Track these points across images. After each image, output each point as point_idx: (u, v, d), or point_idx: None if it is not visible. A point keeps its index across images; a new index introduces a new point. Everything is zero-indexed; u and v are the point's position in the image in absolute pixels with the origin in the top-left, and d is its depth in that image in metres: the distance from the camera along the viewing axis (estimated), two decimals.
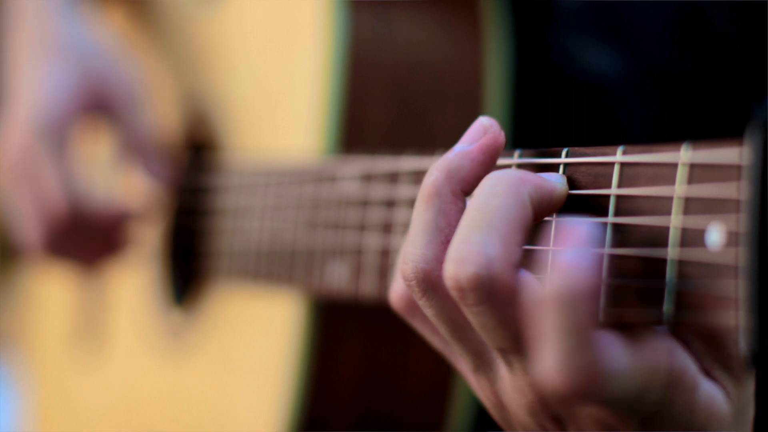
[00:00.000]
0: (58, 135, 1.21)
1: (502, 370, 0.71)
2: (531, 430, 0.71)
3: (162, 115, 1.33)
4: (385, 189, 0.86)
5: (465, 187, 0.69)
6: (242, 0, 1.23)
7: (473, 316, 0.66)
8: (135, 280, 1.38)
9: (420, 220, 0.70)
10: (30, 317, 1.66)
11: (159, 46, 1.37)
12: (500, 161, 0.74)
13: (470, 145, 0.70)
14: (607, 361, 0.62)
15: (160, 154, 1.27)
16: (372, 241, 0.88)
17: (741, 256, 0.56)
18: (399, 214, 0.84)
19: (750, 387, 0.68)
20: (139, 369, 1.36)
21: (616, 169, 0.65)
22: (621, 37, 1.06)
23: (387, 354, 1.05)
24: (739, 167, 0.57)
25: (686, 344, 0.66)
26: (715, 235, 0.58)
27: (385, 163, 0.87)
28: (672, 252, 0.61)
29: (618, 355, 0.63)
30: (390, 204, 0.86)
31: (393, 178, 0.85)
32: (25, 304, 1.70)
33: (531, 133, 1.05)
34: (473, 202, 0.66)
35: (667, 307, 0.61)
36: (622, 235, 0.64)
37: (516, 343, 0.66)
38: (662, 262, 0.61)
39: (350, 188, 0.91)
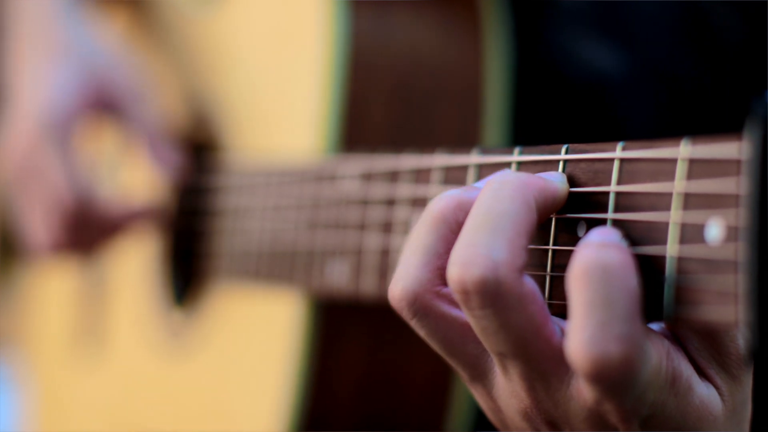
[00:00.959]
0: (63, 133, 1.22)
1: (498, 377, 0.71)
2: None
3: (164, 115, 1.34)
4: (385, 188, 0.86)
5: None
6: (243, 0, 1.23)
7: (475, 320, 0.66)
8: (136, 280, 1.38)
9: (419, 242, 0.69)
10: (30, 317, 1.66)
11: (160, 47, 1.38)
12: (499, 158, 0.74)
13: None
14: (642, 341, 0.62)
15: (169, 143, 1.27)
16: (372, 240, 0.88)
17: (741, 251, 0.56)
18: (399, 213, 0.84)
19: (747, 386, 0.68)
20: (139, 369, 1.36)
21: (616, 165, 0.65)
22: (622, 36, 1.06)
23: (387, 354, 1.05)
24: (738, 162, 0.57)
25: (683, 344, 0.66)
26: (715, 230, 0.58)
27: (385, 162, 0.87)
28: (671, 248, 0.61)
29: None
30: (390, 203, 0.86)
31: (393, 176, 0.85)
32: (25, 304, 1.70)
33: (531, 131, 1.05)
34: (478, 206, 0.66)
35: (666, 302, 0.61)
36: (621, 231, 0.64)
37: (516, 348, 0.66)
38: (662, 258, 0.61)
39: (350, 187, 0.91)
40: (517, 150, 0.73)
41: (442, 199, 0.69)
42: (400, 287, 0.69)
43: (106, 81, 1.25)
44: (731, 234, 0.57)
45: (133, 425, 1.36)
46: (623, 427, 0.66)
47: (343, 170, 0.93)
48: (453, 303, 0.69)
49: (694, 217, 0.60)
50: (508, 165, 0.73)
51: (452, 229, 0.69)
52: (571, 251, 0.67)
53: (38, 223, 1.24)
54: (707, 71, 1.04)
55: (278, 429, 1.06)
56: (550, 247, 0.69)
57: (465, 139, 1.03)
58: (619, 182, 0.65)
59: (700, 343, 0.66)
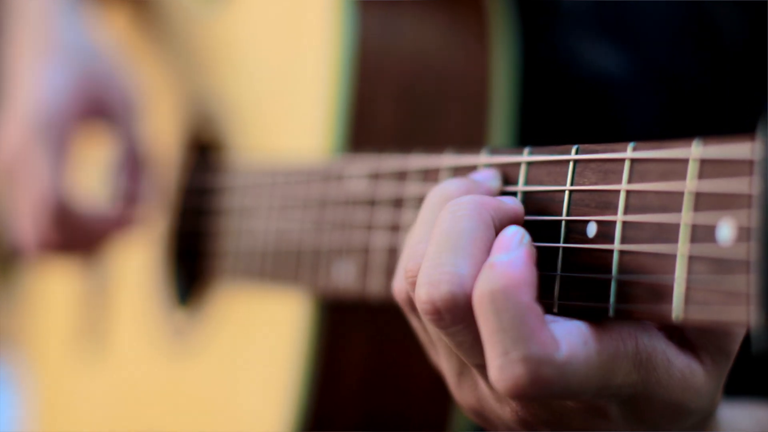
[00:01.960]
0: (56, 134, 1.21)
1: (480, 384, 0.72)
2: None
3: (167, 118, 1.34)
4: (393, 187, 0.86)
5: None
6: (249, 0, 1.23)
7: (450, 337, 0.68)
8: (139, 279, 1.38)
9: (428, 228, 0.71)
10: (32, 316, 1.66)
11: (165, 47, 1.38)
12: (509, 158, 0.74)
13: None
14: (556, 351, 0.64)
15: (153, 169, 1.27)
16: (379, 239, 0.88)
17: (752, 252, 0.56)
18: (407, 212, 0.84)
19: (731, 359, 0.69)
20: (142, 369, 1.36)
21: (627, 166, 0.65)
22: (625, 37, 1.07)
23: (392, 353, 1.05)
24: (750, 162, 0.57)
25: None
26: (726, 230, 0.58)
27: (393, 162, 0.87)
28: (682, 247, 0.61)
29: (573, 345, 0.64)
30: (398, 203, 0.86)
31: (401, 176, 0.85)
32: (26, 303, 1.70)
33: (537, 132, 1.05)
34: (438, 228, 0.68)
35: (676, 302, 0.61)
36: (632, 231, 0.64)
37: None
38: (672, 257, 0.61)
39: (357, 187, 0.92)
40: (526, 150, 0.73)
41: (451, 183, 0.72)
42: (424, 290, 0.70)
43: (101, 87, 1.25)
44: (743, 234, 0.57)
45: (135, 425, 1.36)
46: (604, 414, 0.68)
47: (350, 170, 0.93)
48: None
49: (705, 217, 0.60)
50: (517, 165, 0.73)
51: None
52: (580, 251, 0.67)
53: (26, 221, 1.24)
54: (710, 71, 1.05)
55: (283, 428, 1.06)
56: (561, 245, 0.69)
57: (471, 139, 1.03)
58: (630, 182, 0.65)
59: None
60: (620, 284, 0.64)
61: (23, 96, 1.25)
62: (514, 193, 0.73)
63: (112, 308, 1.45)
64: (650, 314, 0.63)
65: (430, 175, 0.81)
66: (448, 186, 0.72)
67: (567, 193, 0.69)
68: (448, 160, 0.80)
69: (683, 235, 0.61)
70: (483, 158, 0.76)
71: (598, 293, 0.66)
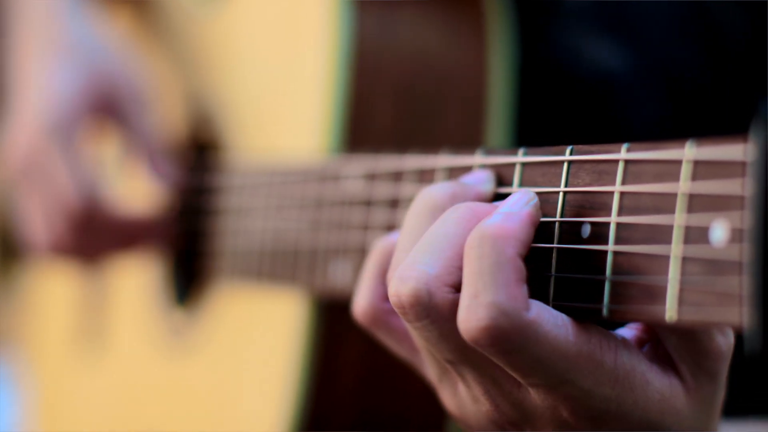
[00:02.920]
0: (66, 133, 1.21)
1: (458, 384, 0.73)
2: None
3: (166, 116, 1.34)
4: (389, 188, 0.86)
5: None
6: (247, 0, 1.23)
7: (417, 332, 0.70)
8: (137, 280, 1.38)
9: (420, 230, 0.72)
10: (31, 316, 1.66)
11: (163, 47, 1.38)
12: (504, 158, 0.74)
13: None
14: (523, 310, 0.64)
15: (166, 156, 1.27)
16: (376, 238, 0.88)
17: (745, 253, 0.56)
18: (403, 213, 0.84)
19: (720, 378, 0.69)
20: (141, 368, 1.36)
21: (621, 167, 0.65)
22: (626, 35, 1.06)
23: (389, 353, 1.05)
24: (743, 164, 0.57)
25: (662, 340, 0.67)
26: (720, 231, 0.58)
27: (389, 162, 0.87)
28: (675, 248, 0.61)
29: (545, 317, 0.65)
30: (393, 203, 0.86)
31: (397, 176, 0.85)
32: (26, 303, 1.70)
33: (536, 131, 1.05)
34: (429, 229, 0.70)
35: (669, 303, 0.61)
36: (626, 232, 0.64)
37: (461, 356, 0.69)
38: (665, 258, 0.61)
39: (354, 187, 0.92)
40: (521, 151, 0.73)
41: (436, 189, 0.73)
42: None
43: (109, 83, 1.25)
44: (736, 235, 0.57)
45: (134, 425, 1.37)
46: (574, 421, 0.68)
47: (347, 170, 0.93)
48: None
49: (698, 218, 0.60)
50: (512, 166, 0.73)
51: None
52: (574, 252, 0.67)
53: (39, 223, 1.24)
54: (711, 70, 1.05)
55: (281, 428, 1.06)
56: (555, 245, 0.69)
57: (469, 139, 1.03)
58: (624, 183, 0.65)
59: (680, 341, 0.67)
60: (614, 285, 0.64)
61: (32, 97, 1.25)
62: (508, 195, 0.73)
63: (111, 308, 1.45)
64: (644, 315, 0.63)
65: (426, 176, 0.81)
66: (433, 192, 0.73)
67: (561, 194, 0.69)
68: (444, 160, 0.80)
69: (677, 236, 0.61)
70: (478, 159, 0.76)
71: (592, 294, 0.66)
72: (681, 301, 0.60)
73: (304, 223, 0.99)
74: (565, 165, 0.69)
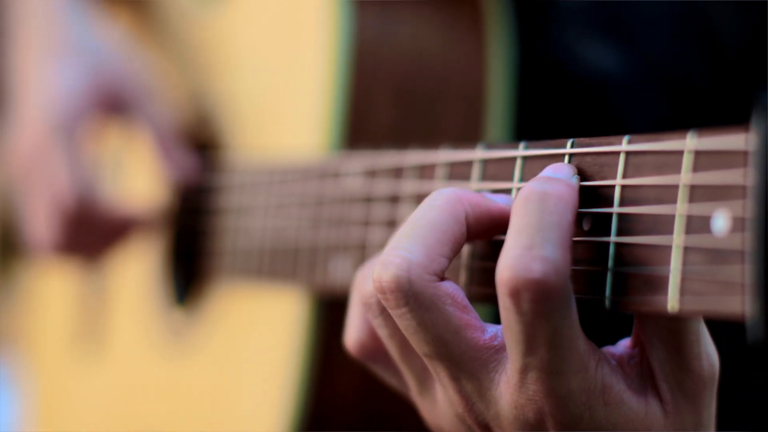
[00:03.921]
0: (70, 132, 1.21)
1: (436, 388, 0.73)
2: None
3: (174, 114, 1.34)
4: (389, 184, 0.86)
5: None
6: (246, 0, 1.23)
7: (398, 320, 0.69)
8: (137, 279, 1.38)
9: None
10: (31, 316, 1.66)
11: (163, 46, 1.38)
12: (504, 153, 0.74)
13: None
14: (566, 273, 0.63)
15: (180, 144, 1.27)
16: (376, 236, 0.88)
17: (747, 242, 0.57)
18: (403, 209, 0.85)
19: (705, 410, 0.68)
20: (140, 368, 1.36)
21: (622, 159, 0.65)
22: (623, 35, 1.07)
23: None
24: (744, 153, 0.58)
25: (647, 354, 0.67)
26: (721, 221, 0.59)
27: (389, 159, 0.87)
28: (677, 238, 0.61)
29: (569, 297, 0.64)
30: (394, 199, 0.86)
31: (397, 173, 0.86)
32: (25, 303, 1.70)
33: (534, 130, 1.05)
34: (411, 215, 0.69)
35: (671, 294, 0.61)
36: (627, 223, 0.65)
37: (437, 348, 0.68)
38: (667, 248, 0.61)
39: (354, 184, 0.92)
40: (522, 145, 0.73)
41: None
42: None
43: (113, 81, 1.25)
44: (737, 225, 0.58)
45: (134, 425, 1.36)
46: (551, 424, 0.67)
47: (347, 167, 0.93)
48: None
49: (700, 208, 0.60)
50: (512, 160, 0.74)
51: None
52: (576, 244, 0.67)
53: (40, 221, 1.24)
54: (708, 70, 1.05)
55: (281, 427, 1.06)
56: None
57: (468, 137, 1.03)
58: (625, 175, 0.65)
59: (665, 355, 0.67)
60: (616, 276, 0.65)
61: (35, 97, 1.25)
62: (509, 190, 0.73)
63: (110, 308, 1.45)
64: (646, 306, 0.63)
65: (426, 172, 0.82)
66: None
67: None
68: (444, 156, 0.80)
69: (678, 226, 0.61)
70: (478, 154, 0.76)
71: (594, 285, 0.66)
72: (683, 291, 0.61)
73: (305, 221, 1.00)
74: (566, 158, 0.69)
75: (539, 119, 1.07)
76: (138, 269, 1.38)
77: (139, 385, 1.36)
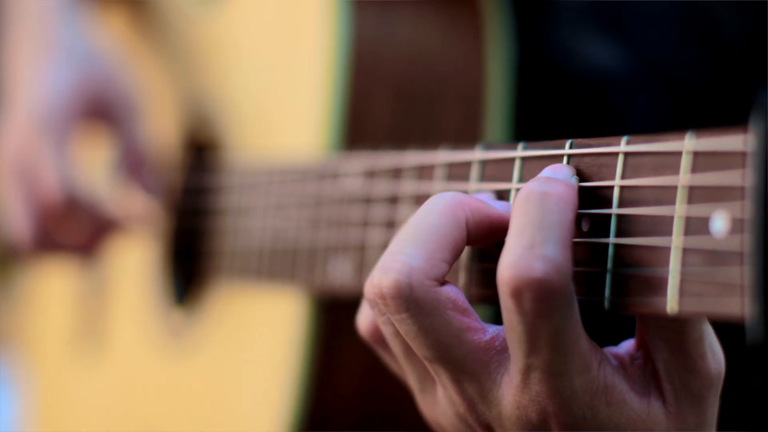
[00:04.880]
0: (58, 132, 1.21)
1: (437, 388, 0.73)
2: None
3: (164, 118, 1.34)
4: (388, 185, 0.86)
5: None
6: (245, 0, 1.23)
7: (399, 325, 0.68)
8: (136, 280, 1.38)
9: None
10: (30, 316, 1.66)
11: (161, 47, 1.38)
12: (503, 153, 0.74)
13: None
14: (568, 273, 0.63)
15: (155, 170, 1.27)
16: (375, 237, 0.88)
17: (746, 243, 0.57)
18: (402, 209, 0.85)
19: (709, 408, 0.68)
20: (140, 369, 1.36)
21: (620, 160, 0.65)
22: (623, 34, 1.07)
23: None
24: (743, 154, 0.57)
25: (651, 355, 0.67)
26: (720, 222, 0.59)
27: (388, 159, 0.87)
28: (676, 240, 0.61)
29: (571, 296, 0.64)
30: (393, 200, 0.86)
31: (396, 173, 0.85)
32: (25, 303, 1.70)
33: (533, 130, 1.05)
34: (411, 219, 0.69)
35: (670, 295, 0.61)
36: (626, 225, 0.64)
37: (438, 352, 0.68)
38: (666, 250, 0.61)
39: (353, 184, 0.92)
40: (521, 146, 0.73)
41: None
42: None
43: (102, 87, 1.25)
44: (736, 226, 0.58)
45: (134, 425, 1.36)
46: (551, 425, 0.67)
47: (346, 168, 0.93)
48: None
49: (699, 209, 0.60)
50: (511, 161, 0.74)
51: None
52: (575, 245, 0.67)
53: (23, 219, 1.24)
54: (709, 69, 1.05)
55: (280, 427, 1.06)
56: None
57: (467, 137, 1.03)
58: (624, 176, 0.65)
59: (669, 356, 0.67)
60: (615, 277, 0.65)
61: (24, 96, 1.25)
62: (508, 191, 0.73)
63: (110, 308, 1.45)
64: (645, 307, 0.63)
65: (425, 172, 0.82)
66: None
67: None
68: (443, 156, 0.80)
69: (677, 227, 0.61)
70: (477, 154, 0.76)
71: (594, 286, 0.66)
72: (682, 292, 0.61)
73: (304, 222, 1.00)
74: (565, 159, 0.69)
75: (538, 119, 1.07)
76: (138, 269, 1.38)
77: (139, 385, 1.36)
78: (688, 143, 0.61)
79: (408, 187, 0.84)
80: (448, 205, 0.68)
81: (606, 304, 0.65)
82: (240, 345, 1.17)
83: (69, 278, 1.52)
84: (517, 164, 0.73)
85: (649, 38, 1.07)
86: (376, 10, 1.06)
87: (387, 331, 0.72)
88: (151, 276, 1.36)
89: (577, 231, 0.67)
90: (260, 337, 1.13)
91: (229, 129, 1.23)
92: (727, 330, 0.67)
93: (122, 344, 1.41)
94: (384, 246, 0.87)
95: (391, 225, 0.85)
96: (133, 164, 1.25)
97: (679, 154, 0.62)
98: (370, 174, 0.89)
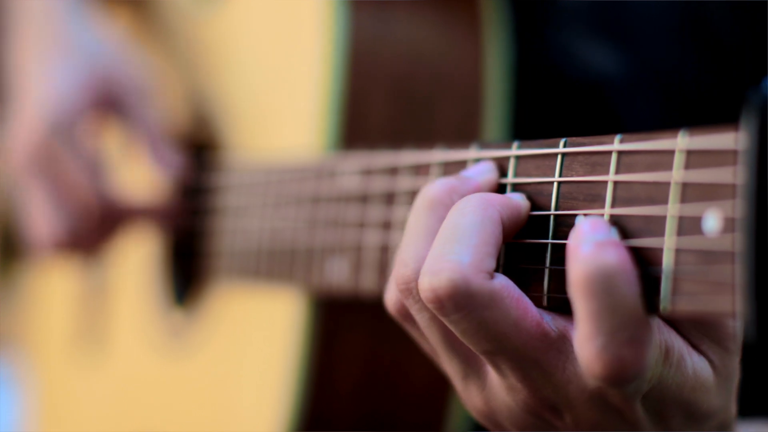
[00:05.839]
0: (69, 130, 1.22)
1: (491, 374, 0.72)
2: (528, 428, 0.72)
3: (167, 115, 1.34)
4: (384, 184, 0.86)
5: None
6: (244, 0, 1.23)
7: (454, 325, 0.68)
8: (136, 280, 1.38)
9: (419, 225, 0.72)
10: (32, 317, 1.67)
11: (161, 46, 1.38)
12: (498, 152, 0.74)
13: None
14: (648, 340, 0.63)
15: (170, 144, 1.27)
16: (372, 236, 0.88)
17: (738, 242, 0.56)
18: (399, 209, 0.85)
19: (737, 355, 0.69)
20: (140, 369, 1.36)
21: (614, 158, 0.65)
22: (621, 36, 1.06)
23: (387, 352, 1.05)
24: (735, 152, 0.57)
25: (675, 321, 0.68)
26: (712, 221, 0.58)
27: (384, 158, 0.87)
28: (669, 240, 0.61)
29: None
30: (390, 199, 0.86)
31: (392, 172, 0.85)
32: (26, 304, 1.70)
33: (531, 131, 1.05)
34: (445, 224, 0.69)
35: (664, 294, 0.61)
36: (619, 224, 0.64)
37: (499, 343, 0.68)
38: (659, 250, 0.61)
39: (350, 184, 0.92)
40: (515, 144, 0.73)
41: (435, 185, 0.72)
42: (411, 270, 0.71)
43: (110, 79, 1.26)
44: (728, 225, 0.57)
45: (133, 425, 1.37)
46: (625, 406, 0.67)
47: (343, 167, 0.93)
48: None
49: (691, 208, 0.60)
50: (506, 159, 0.74)
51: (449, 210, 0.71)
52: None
53: (44, 220, 1.24)
54: (707, 72, 1.04)
55: (279, 427, 1.06)
56: (549, 241, 0.69)
57: (465, 137, 1.03)
58: (617, 174, 0.65)
59: (691, 321, 0.67)
60: None
61: (33, 94, 1.25)
62: (505, 186, 0.73)
63: (110, 308, 1.45)
64: None
65: (421, 171, 0.82)
66: (430, 189, 0.73)
67: (555, 185, 0.69)
68: (439, 155, 0.80)
69: (670, 227, 0.61)
70: (473, 153, 0.76)
71: None
72: (675, 291, 0.61)
73: (301, 221, 1.00)
74: (559, 157, 0.69)
75: (536, 120, 1.07)
76: (138, 270, 1.38)
77: (139, 385, 1.36)
78: (681, 141, 0.61)
79: (404, 186, 0.84)
80: (479, 204, 0.69)
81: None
82: (239, 344, 1.17)
83: (70, 278, 1.52)
84: (512, 162, 0.73)
85: (647, 40, 1.06)
86: (373, 11, 1.06)
87: (422, 319, 0.72)
88: (151, 276, 1.36)
89: (572, 230, 0.67)
90: (259, 336, 1.13)
91: (228, 128, 1.23)
92: None
93: (123, 344, 1.41)
94: (380, 247, 0.87)
95: (388, 226, 0.85)
96: (149, 144, 1.25)
97: (672, 152, 0.61)
98: (367, 173, 0.89)
